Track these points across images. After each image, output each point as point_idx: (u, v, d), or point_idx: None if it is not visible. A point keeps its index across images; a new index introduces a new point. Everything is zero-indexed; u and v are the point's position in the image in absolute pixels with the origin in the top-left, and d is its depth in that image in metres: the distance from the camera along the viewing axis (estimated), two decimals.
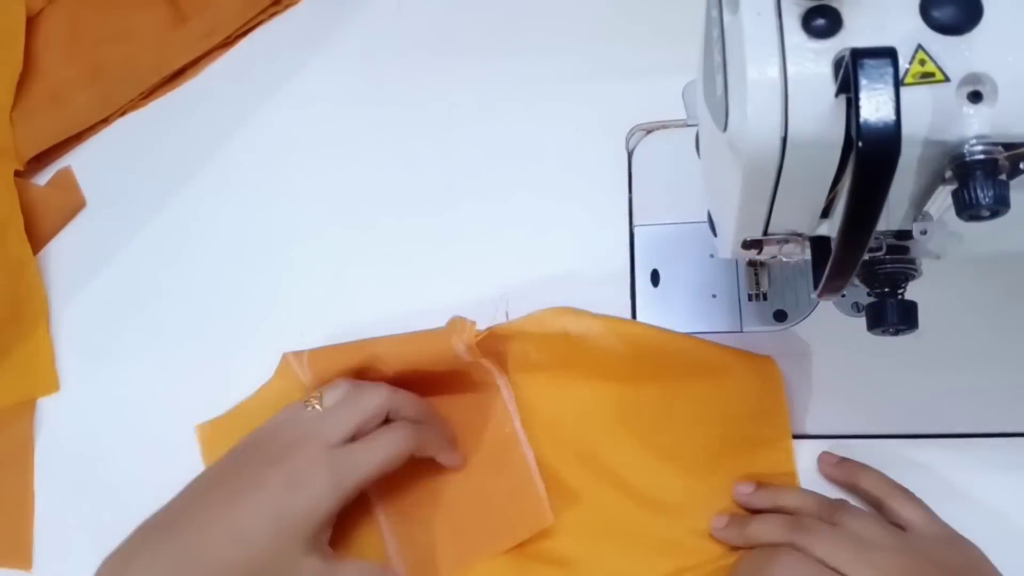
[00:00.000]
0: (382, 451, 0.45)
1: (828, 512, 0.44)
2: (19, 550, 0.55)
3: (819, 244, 0.36)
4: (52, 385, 0.59)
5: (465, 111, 0.61)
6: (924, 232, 0.33)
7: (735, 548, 0.46)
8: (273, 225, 0.61)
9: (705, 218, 0.43)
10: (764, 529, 0.44)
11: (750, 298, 0.51)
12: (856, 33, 0.29)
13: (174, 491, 0.47)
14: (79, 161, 0.66)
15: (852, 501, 0.46)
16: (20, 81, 0.67)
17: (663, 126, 0.57)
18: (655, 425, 0.50)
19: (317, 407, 0.46)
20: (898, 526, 0.44)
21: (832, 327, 0.50)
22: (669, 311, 0.53)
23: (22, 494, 0.56)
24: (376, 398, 0.47)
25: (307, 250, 0.60)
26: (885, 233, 0.34)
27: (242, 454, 0.46)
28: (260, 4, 0.67)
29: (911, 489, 0.46)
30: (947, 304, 0.47)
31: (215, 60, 0.67)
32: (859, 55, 0.27)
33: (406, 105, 0.62)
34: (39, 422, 0.58)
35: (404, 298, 0.56)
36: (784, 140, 0.30)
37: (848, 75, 0.27)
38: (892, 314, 0.37)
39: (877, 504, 0.45)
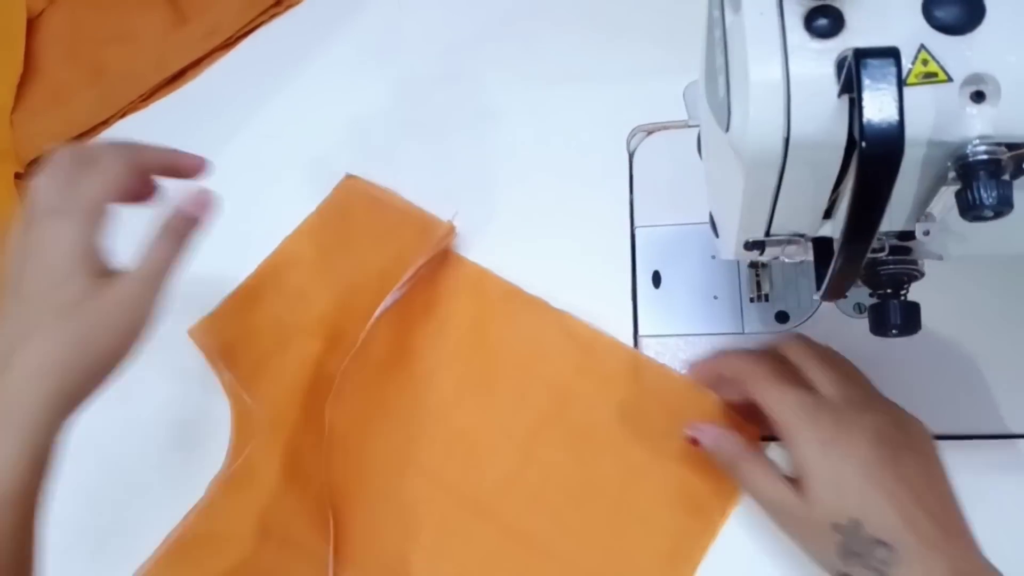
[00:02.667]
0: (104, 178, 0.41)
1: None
2: None
3: (822, 245, 0.36)
4: None
5: (465, 112, 0.61)
6: (927, 233, 0.33)
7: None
8: (273, 226, 0.61)
9: (707, 219, 0.43)
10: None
11: (752, 299, 0.51)
12: (859, 33, 0.29)
13: (173, 492, 0.47)
14: None
15: None
16: (21, 82, 0.67)
17: (664, 127, 0.57)
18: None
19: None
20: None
21: (834, 328, 0.50)
22: (670, 313, 0.53)
23: None
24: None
25: None
26: (888, 234, 0.34)
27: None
28: (261, 5, 0.67)
29: None
30: (950, 305, 0.47)
31: (216, 61, 0.67)
32: (862, 55, 0.27)
33: (406, 106, 0.62)
34: None
35: None
36: (786, 141, 0.30)
37: (851, 75, 0.27)
38: (895, 315, 0.37)
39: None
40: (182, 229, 0.43)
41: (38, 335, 0.37)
